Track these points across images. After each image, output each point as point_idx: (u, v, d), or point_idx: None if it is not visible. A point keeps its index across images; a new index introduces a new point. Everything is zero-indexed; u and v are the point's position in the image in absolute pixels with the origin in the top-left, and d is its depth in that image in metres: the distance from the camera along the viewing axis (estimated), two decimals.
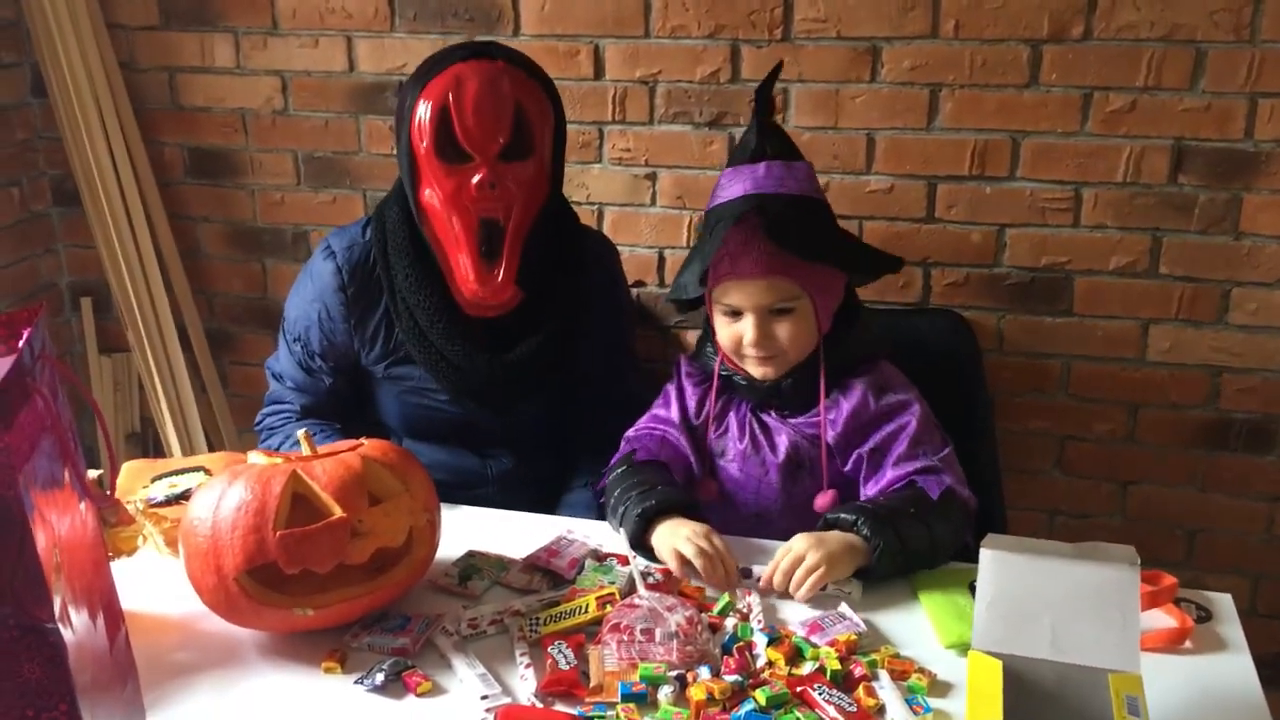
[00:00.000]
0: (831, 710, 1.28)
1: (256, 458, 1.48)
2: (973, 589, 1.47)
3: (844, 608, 1.51)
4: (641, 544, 1.62)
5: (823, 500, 1.71)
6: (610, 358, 2.05)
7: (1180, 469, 2.29)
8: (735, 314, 1.69)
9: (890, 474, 1.68)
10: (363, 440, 1.53)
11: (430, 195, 1.79)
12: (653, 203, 2.36)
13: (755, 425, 1.77)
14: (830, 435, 1.70)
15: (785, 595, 1.53)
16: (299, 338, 1.96)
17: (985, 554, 1.22)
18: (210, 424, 2.76)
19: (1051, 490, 2.37)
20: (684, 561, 1.55)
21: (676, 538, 1.57)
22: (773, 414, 1.76)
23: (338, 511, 1.40)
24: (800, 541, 1.54)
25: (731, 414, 1.80)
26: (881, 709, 1.31)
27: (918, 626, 1.49)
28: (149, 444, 2.83)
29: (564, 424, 2.05)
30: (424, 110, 1.76)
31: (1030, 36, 2.10)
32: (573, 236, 1.99)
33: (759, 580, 1.55)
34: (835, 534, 1.56)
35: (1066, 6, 2.07)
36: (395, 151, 1.88)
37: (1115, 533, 2.32)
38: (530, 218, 1.81)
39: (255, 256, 2.65)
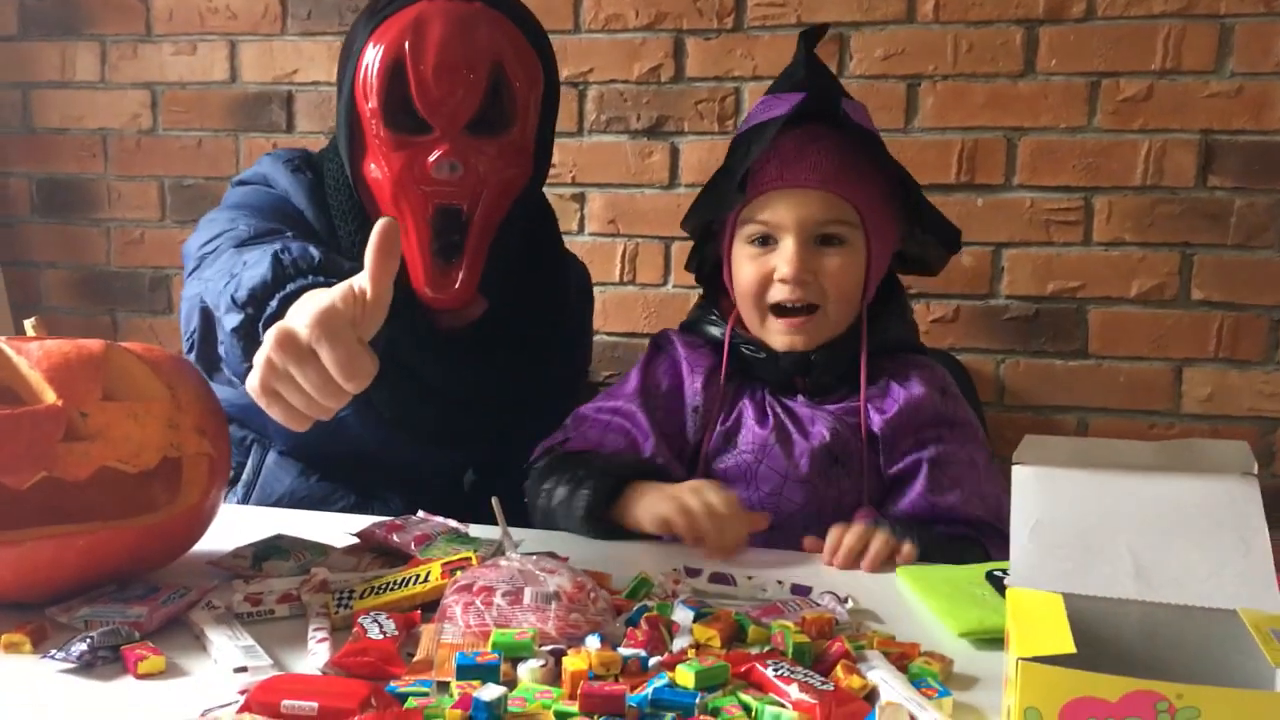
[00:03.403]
0: (794, 689, 0.79)
1: None
2: (991, 579, 1.09)
3: (818, 594, 1.04)
4: (602, 519, 1.25)
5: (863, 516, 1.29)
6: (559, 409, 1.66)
7: None
8: (767, 243, 1.35)
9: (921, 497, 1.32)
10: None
11: (374, 170, 1.38)
12: (581, 229, 2.02)
13: (780, 410, 1.37)
14: (878, 422, 1.34)
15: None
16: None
17: (1023, 473, 0.86)
18: None
19: None
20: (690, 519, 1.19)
21: (667, 497, 1.20)
22: (800, 399, 1.38)
23: (50, 397, 0.93)
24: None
25: (745, 399, 1.39)
26: (872, 692, 0.82)
27: (916, 616, 1.03)
28: None
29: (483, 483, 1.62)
30: (372, 58, 1.34)
31: (1024, 16, 1.86)
32: (552, 243, 1.60)
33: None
34: None
35: None
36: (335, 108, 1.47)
37: None
38: (502, 209, 1.41)
39: (104, 308, 2.23)
